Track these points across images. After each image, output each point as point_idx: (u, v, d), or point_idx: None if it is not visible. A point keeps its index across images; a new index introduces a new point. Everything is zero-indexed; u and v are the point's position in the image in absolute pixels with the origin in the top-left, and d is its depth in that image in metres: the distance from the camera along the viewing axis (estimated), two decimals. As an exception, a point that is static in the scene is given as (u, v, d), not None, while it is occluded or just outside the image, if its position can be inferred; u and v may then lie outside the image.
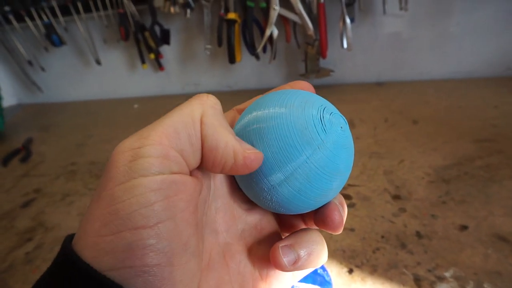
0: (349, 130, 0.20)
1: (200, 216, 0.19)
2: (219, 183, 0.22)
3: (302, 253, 0.20)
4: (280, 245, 0.20)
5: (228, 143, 0.18)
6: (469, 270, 0.46)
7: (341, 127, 0.19)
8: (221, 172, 0.19)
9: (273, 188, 0.19)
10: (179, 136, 0.17)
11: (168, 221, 0.16)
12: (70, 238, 0.16)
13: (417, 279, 0.45)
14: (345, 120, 0.20)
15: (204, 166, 0.19)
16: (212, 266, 0.20)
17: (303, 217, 0.24)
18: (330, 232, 0.21)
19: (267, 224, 0.24)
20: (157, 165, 0.16)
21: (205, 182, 0.20)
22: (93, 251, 0.15)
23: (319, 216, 0.21)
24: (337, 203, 0.21)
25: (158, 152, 0.16)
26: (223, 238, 0.22)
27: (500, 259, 0.47)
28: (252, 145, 0.19)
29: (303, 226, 0.25)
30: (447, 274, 0.45)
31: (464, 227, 0.52)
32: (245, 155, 0.18)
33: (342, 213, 0.21)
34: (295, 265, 0.20)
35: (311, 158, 0.18)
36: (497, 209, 0.55)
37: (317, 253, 0.21)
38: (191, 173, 0.18)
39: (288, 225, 0.25)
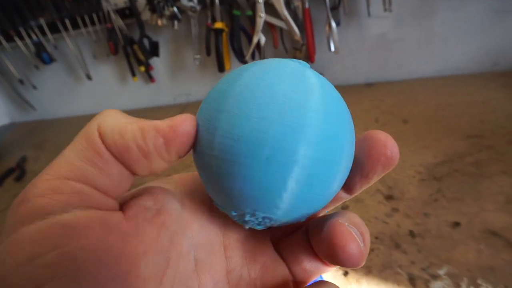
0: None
1: (161, 271, 0.14)
2: (198, 227, 0.16)
3: None
4: None
5: (134, 129, 0.14)
6: (462, 267, 0.46)
7: None
8: (163, 165, 0.14)
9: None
10: (74, 163, 0.13)
11: (57, 280, 0.11)
12: None
13: (411, 278, 0.46)
14: None
15: (138, 173, 0.14)
16: None
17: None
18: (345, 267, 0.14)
19: (274, 274, 0.17)
20: (43, 205, 0.12)
21: (175, 216, 0.15)
22: None
23: (322, 244, 0.15)
24: (347, 224, 0.15)
25: (46, 188, 0.12)
26: None
27: (493, 254, 0.47)
28: None
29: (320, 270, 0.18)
30: (441, 272, 0.46)
31: (456, 224, 0.53)
32: (170, 124, 0.14)
33: (357, 237, 0.15)
34: None
35: None
36: (489, 204, 0.55)
37: None
38: (123, 207, 0.14)
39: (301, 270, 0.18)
